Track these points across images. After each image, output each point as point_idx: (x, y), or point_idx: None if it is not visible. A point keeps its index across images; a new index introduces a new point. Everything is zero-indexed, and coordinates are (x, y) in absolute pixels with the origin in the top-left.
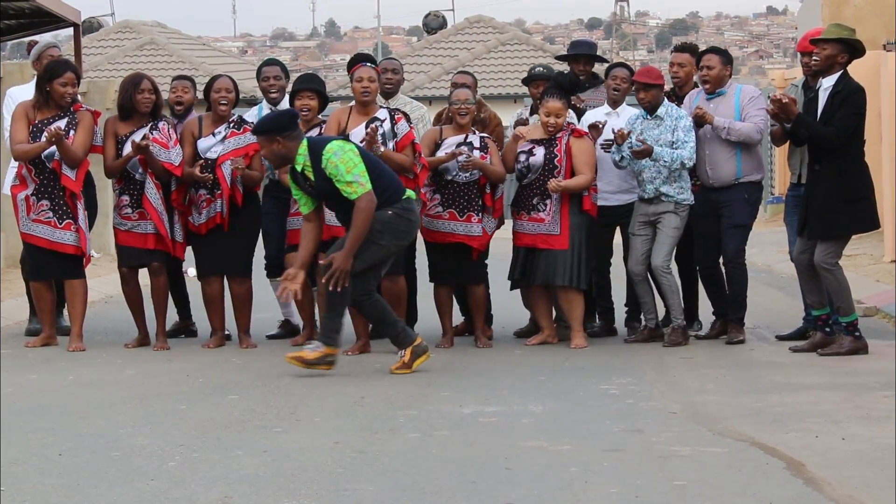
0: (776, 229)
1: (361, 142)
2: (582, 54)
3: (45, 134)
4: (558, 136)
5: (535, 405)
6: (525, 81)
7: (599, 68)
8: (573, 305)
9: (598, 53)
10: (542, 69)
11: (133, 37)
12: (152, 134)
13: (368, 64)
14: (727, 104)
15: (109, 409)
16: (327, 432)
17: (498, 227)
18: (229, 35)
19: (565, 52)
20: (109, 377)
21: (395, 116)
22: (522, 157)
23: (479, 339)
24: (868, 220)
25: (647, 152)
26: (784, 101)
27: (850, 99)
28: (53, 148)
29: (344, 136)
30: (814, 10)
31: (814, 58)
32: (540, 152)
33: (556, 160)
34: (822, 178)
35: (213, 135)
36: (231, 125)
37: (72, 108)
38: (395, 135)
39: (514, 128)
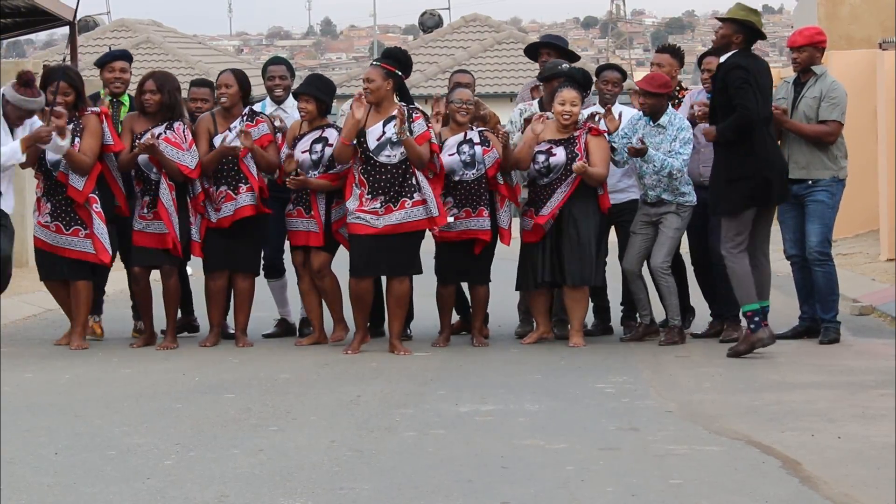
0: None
1: (382, 136)
2: (544, 43)
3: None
4: (576, 135)
5: (531, 404)
6: (547, 78)
7: (589, 68)
8: (579, 305)
9: (569, 49)
10: (567, 65)
11: (129, 35)
12: (165, 133)
13: (375, 62)
14: None
15: (105, 407)
16: (323, 431)
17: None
18: (225, 33)
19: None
20: (105, 376)
21: (414, 115)
22: (541, 158)
23: (476, 338)
24: (738, 201)
25: (642, 152)
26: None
27: (728, 78)
28: (59, 157)
29: (362, 133)
30: (810, 8)
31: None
32: (560, 152)
33: (577, 159)
34: (715, 159)
35: (230, 130)
36: (244, 119)
37: (77, 114)
38: (411, 132)
39: (523, 123)
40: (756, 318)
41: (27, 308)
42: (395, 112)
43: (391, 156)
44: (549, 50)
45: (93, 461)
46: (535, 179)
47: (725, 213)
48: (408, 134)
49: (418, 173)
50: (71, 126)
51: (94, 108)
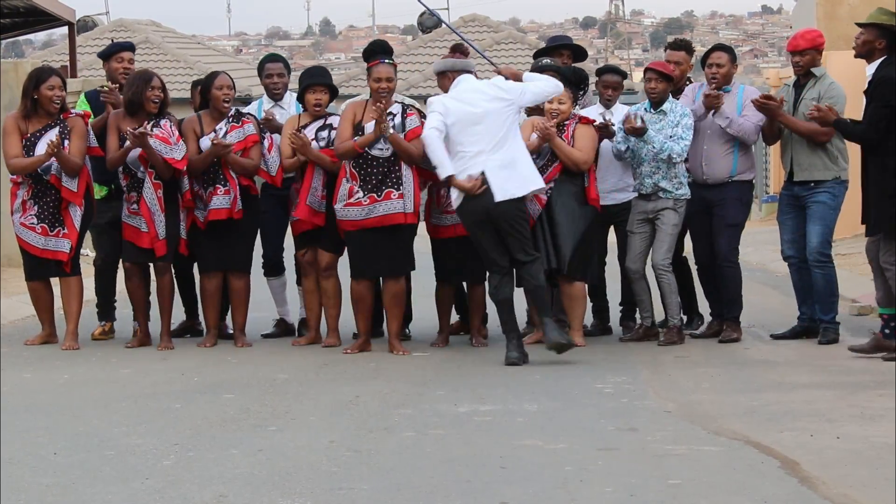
0: (771, 228)
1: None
2: (563, 45)
3: (46, 148)
4: (566, 123)
5: (529, 404)
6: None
7: (588, 68)
8: (576, 304)
9: (580, 46)
10: (549, 61)
11: (128, 35)
12: (153, 130)
13: (387, 60)
14: (730, 102)
15: (104, 408)
16: (322, 431)
17: None
18: (224, 34)
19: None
20: (104, 376)
21: (407, 111)
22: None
23: (475, 338)
24: None
25: (641, 130)
26: (766, 102)
27: (876, 92)
28: (50, 161)
29: (360, 129)
30: (808, 8)
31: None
32: None
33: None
34: (871, 173)
35: (216, 131)
36: (230, 119)
37: (61, 116)
38: (403, 128)
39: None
40: (893, 324)
41: (26, 308)
42: (391, 108)
43: (384, 149)
44: (568, 52)
45: (91, 461)
46: None
47: (885, 230)
48: (391, 130)
49: (405, 167)
50: (58, 129)
51: (78, 111)
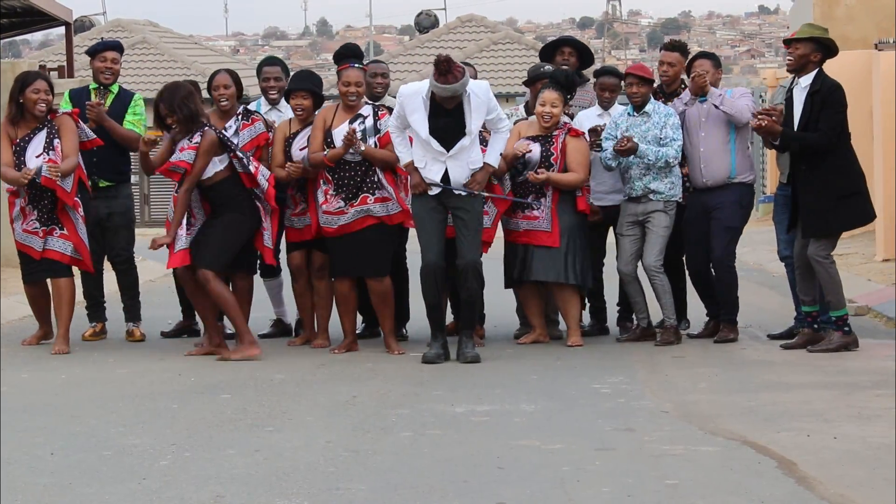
0: (768, 228)
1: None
2: (566, 40)
3: (23, 174)
4: (555, 133)
5: (526, 404)
6: (531, 80)
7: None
8: (570, 304)
9: (587, 48)
10: (549, 67)
11: (125, 35)
12: (184, 143)
13: (356, 65)
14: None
15: (101, 408)
16: (319, 431)
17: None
18: (221, 34)
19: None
20: (101, 376)
21: (379, 113)
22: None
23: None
24: (861, 215)
25: (631, 150)
26: (767, 122)
27: (831, 98)
28: (41, 164)
29: (329, 134)
30: (805, 9)
31: (787, 58)
32: (536, 148)
33: (552, 158)
34: (811, 178)
35: (225, 129)
36: (240, 117)
37: (49, 118)
38: (377, 131)
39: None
40: (850, 323)
41: (25, 308)
42: (362, 110)
43: (356, 153)
44: (570, 49)
45: (89, 461)
46: (511, 177)
47: (835, 232)
48: (362, 147)
49: (380, 171)
50: (45, 130)
51: (66, 110)
